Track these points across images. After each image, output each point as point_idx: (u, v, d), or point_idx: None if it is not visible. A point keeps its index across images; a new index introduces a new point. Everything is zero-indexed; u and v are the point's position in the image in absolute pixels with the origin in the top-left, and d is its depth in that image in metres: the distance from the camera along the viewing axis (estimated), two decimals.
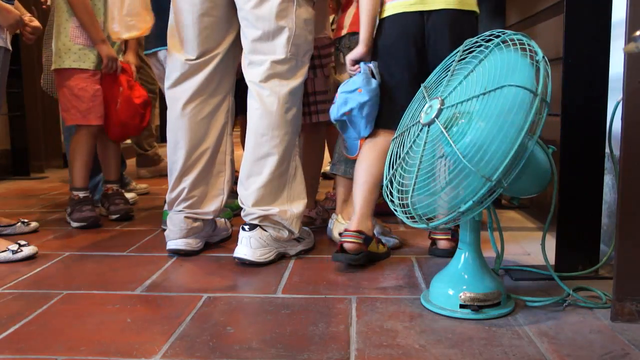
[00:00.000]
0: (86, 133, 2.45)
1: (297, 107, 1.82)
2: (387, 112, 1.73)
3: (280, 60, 1.75)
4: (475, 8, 1.69)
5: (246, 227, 1.77)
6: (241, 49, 1.84)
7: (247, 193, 1.79)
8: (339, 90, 1.78)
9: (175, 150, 1.89)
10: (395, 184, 1.42)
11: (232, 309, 1.41)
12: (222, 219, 2.08)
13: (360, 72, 1.74)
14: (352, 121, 1.77)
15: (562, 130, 1.57)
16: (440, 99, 1.33)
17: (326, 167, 3.45)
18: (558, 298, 1.39)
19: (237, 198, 1.86)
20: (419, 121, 1.38)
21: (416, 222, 1.33)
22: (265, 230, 1.77)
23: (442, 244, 1.84)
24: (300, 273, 1.69)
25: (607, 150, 1.57)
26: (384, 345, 1.19)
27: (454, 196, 1.26)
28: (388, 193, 1.44)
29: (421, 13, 1.64)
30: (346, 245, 1.68)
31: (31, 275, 1.71)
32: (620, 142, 1.27)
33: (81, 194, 2.46)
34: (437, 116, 1.31)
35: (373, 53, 1.77)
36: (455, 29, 1.63)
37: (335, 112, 1.77)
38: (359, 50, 1.76)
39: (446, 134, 1.26)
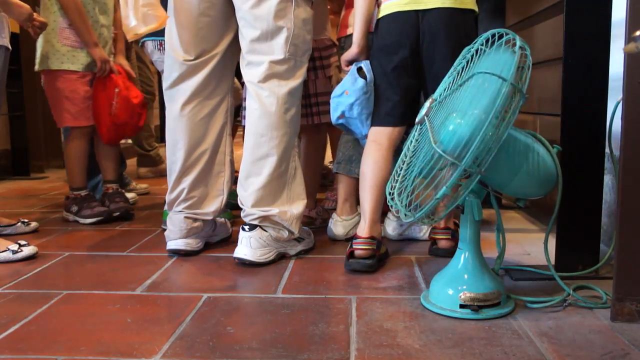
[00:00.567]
0: (79, 134, 2.45)
1: (296, 107, 1.82)
2: (384, 110, 1.74)
3: (279, 60, 1.75)
4: (473, 6, 1.68)
5: (246, 228, 1.77)
6: (240, 49, 1.83)
7: (247, 194, 1.79)
8: (332, 95, 1.80)
9: (174, 151, 1.88)
10: (396, 183, 1.42)
11: (232, 309, 1.41)
12: (222, 219, 2.08)
13: (350, 72, 1.76)
14: (349, 123, 1.79)
15: (562, 130, 1.57)
16: (432, 98, 1.37)
17: (328, 167, 3.45)
18: (558, 299, 1.39)
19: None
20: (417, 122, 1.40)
21: (407, 216, 1.34)
22: (265, 231, 1.77)
23: (442, 244, 1.84)
24: (300, 273, 1.69)
25: (607, 150, 1.57)
26: (384, 345, 1.19)
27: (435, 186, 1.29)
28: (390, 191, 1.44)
29: (416, 12, 1.63)
30: (359, 252, 1.67)
31: (31, 275, 1.71)
32: (620, 142, 1.27)
33: (83, 193, 2.47)
34: (427, 114, 1.34)
35: (370, 52, 1.78)
36: (451, 28, 1.62)
37: (332, 117, 1.81)
38: (352, 51, 1.77)
39: (428, 125, 1.30)
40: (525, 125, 2.59)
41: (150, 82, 3.73)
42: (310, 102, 2.12)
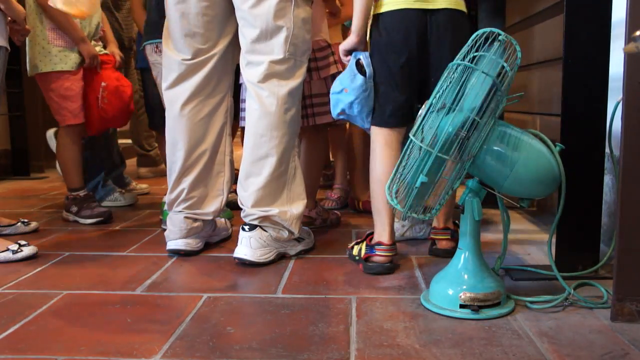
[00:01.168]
0: (73, 132, 2.45)
1: (296, 107, 1.82)
2: (389, 109, 1.70)
3: (279, 60, 1.75)
4: (465, 8, 1.69)
5: (246, 228, 1.77)
6: (239, 49, 1.83)
7: (247, 194, 1.79)
8: (330, 91, 1.78)
9: (174, 151, 1.88)
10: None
11: (232, 309, 1.41)
12: (222, 219, 2.08)
13: (348, 66, 1.75)
14: (351, 118, 1.78)
15: (562, 130, 1.57)
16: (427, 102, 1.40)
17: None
18: (559, 299, 1.39)
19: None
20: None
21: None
22: (265, 231, 1.77)
23: (442, 244, 1.84)
24: (300, 273, 1.69)
25: (607, 150, 1.57)
26: (384, 345, 1.19)
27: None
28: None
29: (424, 11, 1.63)
30: (382, 259, 1.68)
31: (31, 275, 1.71)
32: (620, 142, 1.27)
33: (81, 193, 2.47)
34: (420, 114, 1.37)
35: (371, 47, 1.76)
36: (457, 28, 1.64)
37: (333, 113, 1.80)
38: (351, 40, 1.73)
39: (417, 123, 1.34)
40: (525, 125, 2.59)
41: None
42: (305, 103, 2.11)
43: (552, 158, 1.35)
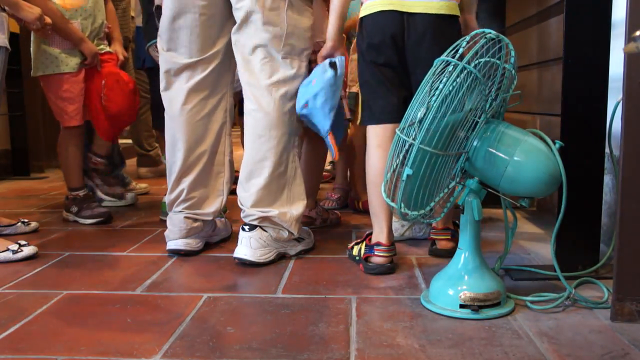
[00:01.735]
0: (72, 134, 2.45)
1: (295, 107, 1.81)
2: (375, 109, 1.70)
3: (275, 60, 1.75)
4: (457, 12, 1.66)
5: (246, 228, 1.77)
6: None
7: (247, 194, 1.79)
8: (300, 84, 1.79)
9: (173, 152, 1.88)
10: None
11: (232, 309, 1.41)
12: (222, 219, 2.08)
13: (322, 63, 1.75)
14: (312, 114, 1.75)
15: (562, 130, 1.57)
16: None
17: (327, 167, 3.45)
18: (560, 300, 1.39)
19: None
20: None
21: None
22: (265, 231, 1.77)
23: (442, 244, 1.84)
24: (300, 273, 1.69)
25: (607, 150, 1.57)
26: (384, 345, 1.19)
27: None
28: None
29: (401, 13, 1.63)
30: (381, 260, 1.67)
31: (31, 275, 1.71)
32: (620, 142, 1.27)
33: (81, 193, 2.47)
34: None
35: (357, 50, 1.76)
36: (438, 33, 1.60)
37: (297, 107, 1.78)
38: (327, 46, 1.75)
39: (403, 121, 1.34)
40: (525, 125, 2.57)
41: (146, 86, 3.73)
42: None
43: (551, 155, 1.34)
